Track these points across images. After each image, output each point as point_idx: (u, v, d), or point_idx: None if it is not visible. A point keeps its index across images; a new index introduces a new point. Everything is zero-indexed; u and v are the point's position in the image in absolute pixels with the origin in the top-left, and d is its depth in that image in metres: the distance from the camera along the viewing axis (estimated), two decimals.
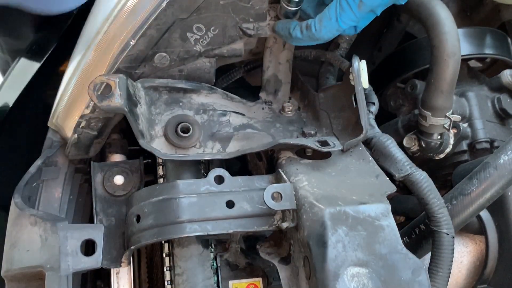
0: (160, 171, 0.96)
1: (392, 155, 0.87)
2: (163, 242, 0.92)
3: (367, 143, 0.90)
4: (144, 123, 0.84)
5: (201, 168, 0.96)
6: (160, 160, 0.96)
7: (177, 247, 0.90)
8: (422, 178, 0.84)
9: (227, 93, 0.94)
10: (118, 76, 0.79)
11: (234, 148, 0.89)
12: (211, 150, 0.89)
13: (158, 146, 0.86)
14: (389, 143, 0.88)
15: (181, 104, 0.91)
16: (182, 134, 0.86)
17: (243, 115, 0.94)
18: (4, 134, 1.19)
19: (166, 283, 0.90)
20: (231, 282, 0.92)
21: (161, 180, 0.95)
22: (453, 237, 0.82)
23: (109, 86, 0.77)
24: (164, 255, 0.91)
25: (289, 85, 1.00)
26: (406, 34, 1.26)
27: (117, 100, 0.77)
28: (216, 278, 0.92)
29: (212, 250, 0.93)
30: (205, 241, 0.92)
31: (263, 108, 0.97)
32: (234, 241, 0.91)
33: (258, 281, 0.94)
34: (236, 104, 0.94)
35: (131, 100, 0.81)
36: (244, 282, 0.93)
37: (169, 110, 0.89)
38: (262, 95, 0.99)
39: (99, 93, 0.77)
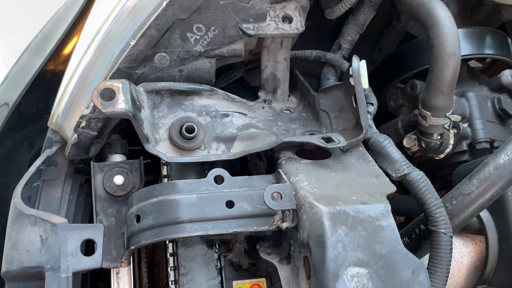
0: (164, 171, 0.95)
1: (389, 155, 0.87)
2: (167, 242, 0.92)
3: (365, 143, 0.90)
4: (148, 127, 0.84)
5: (205, 168, 0.96)
6: (164, 160, 0.96)
7: (182, 247, 0.90)
8: (419, 178, 0.84)
9: (228, 93, 0.94)
10: (121, 81, 0.79)
11: (238, 148, 0.89)
12: (215, 151, 0.89)
13: (163, 149, 0.86)
14: (387, 143, 0.88)
15: (183, 106, 0.91)
16: (187, 134, 0.86)
17: (245, 115, 0.94)
18: (5, 134, 1.19)
19: (170, 283, 0.90)
20: (234, 283, 0.93)
21: (166, 180, 0.95)
22: (451, 237, 0.82)
23: (112, 92, 0.77)
24: (168, 255, 0.91)
25: (288, 83, 1.00)
26: (406, 34, 1.26)
27: (121, 106, 0.77)
28: (220, 278, 0.92)
29: (216, 250, 0.93)
30: (209, 241, 0.92)
31: (263, 107, 0.97)
32: (238, 241, 0.91)
33: (262, 281, 0.94)
34: (237, 104, 0.94)
35: (135, 105, 0.81)
36: (248, 282, 0.93)
37: (172, 113, 0.89)
38: (261, 94, 0.99)
39: (103, 99, 0.77)
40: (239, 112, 0.94)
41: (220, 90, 0.94)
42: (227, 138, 0.90)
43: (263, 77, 0.99)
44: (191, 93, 0.91)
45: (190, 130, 0.86)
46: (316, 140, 0.85)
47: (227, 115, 0.92)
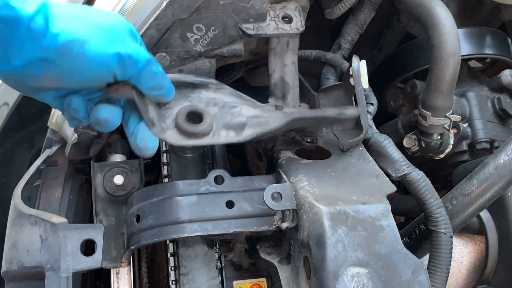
0: (164, 171, 0.95)
1: (389, 155, 0.87)
2: (168, 242, 0.92)
3: (365, 143, 0.90)
4: (154, 113, 0.81)
5: (206, 168, 0.96)
6: (164, 160, 0.96)
7: (182, 247, 0.90)
8: (419, 178, 0.84)
9: (236, 91, 0.90)
10: None
11: (248, 134, 0.85)
12: (225, 138, 0.85)
13: (170, 137, 0.82)
14: (386, 143, 0.88)
15: (190, 99, 0.86)
16: (194, 119, 0.83)
17: (255, 107, 0.89)
18: (5, 134, 1.19)
19: (171, 283, 0.90)
20: (235, 283, 0.93)
21: (166, 180, 0.94)
22: (451, 237, 0.82)
23: None
24: (169, 255, 0.91)
25: (298, 89, 0.97)
26: (406, 34, 1.26)
27: (126, 86, 0.74)
28: (220, 278, 0.92)
29: (217, 250, 0.93)
30: (210, 241, 0.92)
31: (273, 112, 0.95)
32: (239, 241, 0.91)
33: (262, 281, 0.94)
34: (246, 101, 0.90)
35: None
36: (248, 282, 0.93)
37: (179, 104, 0.85)
38: (271, 100, 0.94)
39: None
40: (249, 105, 0.89)
41: (228, 87, 0.90)
42: (236, 125, 0.85)
43: (271, 82, 0.95)
44: (198, 85, 0.88)
45: (197, 114, 0.83)
46: (331, 112, 0.83)
47: (236, 106, 0.88)
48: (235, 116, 0.86)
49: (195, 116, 0.83)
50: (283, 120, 0.82)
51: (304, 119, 0.84)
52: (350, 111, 0.85)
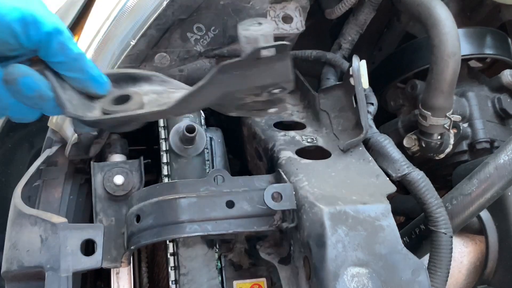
0: (164, 171, 0.95)
1: (390, 155, 0.87)
2: (168, 242, 0.92)
3: (365, 143, 0.90)
4: (74, 96, 0.71)
5: (206, 168, 0.96)
6: (164, 160, 0.96)
7: (182, 247, 0.90)
8: (419, 178, 0.84)
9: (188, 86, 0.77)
10: None
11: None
12: None
13: (88, 115, 0.72)
14: (387, 143, 0.88)
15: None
16: (120, 100, 0.73)
17: None
18: (5, 134, 1.19)
19: (171, 283, 0.90)
20: (235, 283, 0.93)
21: (166, 180, 0.94)
22: (451, 237, 0.82)
23: None
24: (169, 255, 0.91)
25: None
26: (406, 34, 1.26)
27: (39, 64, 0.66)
28: (220, 278, 0.92)
29: (217, 250, 0.93)
30: (210, 241, 0.92)
31: None
32: (239, 241, 0.91)
33: (262, 281, 0.94)
34: None
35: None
36: (248, 282, 0.93)
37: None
38: None
39: None
40: None
41: (178, 81, 0.79)
42: (168, 103, 0.71)
43: None
44: (139, 79, 0.78)
45: (125, 98, 0.73)
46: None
47: (175, 92, 0.76)
48: (171, 98, 0.74)
49: (124, 100, 0.73)
50: (209, 73, 0.66)
51: (230, 65, 0.65)
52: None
